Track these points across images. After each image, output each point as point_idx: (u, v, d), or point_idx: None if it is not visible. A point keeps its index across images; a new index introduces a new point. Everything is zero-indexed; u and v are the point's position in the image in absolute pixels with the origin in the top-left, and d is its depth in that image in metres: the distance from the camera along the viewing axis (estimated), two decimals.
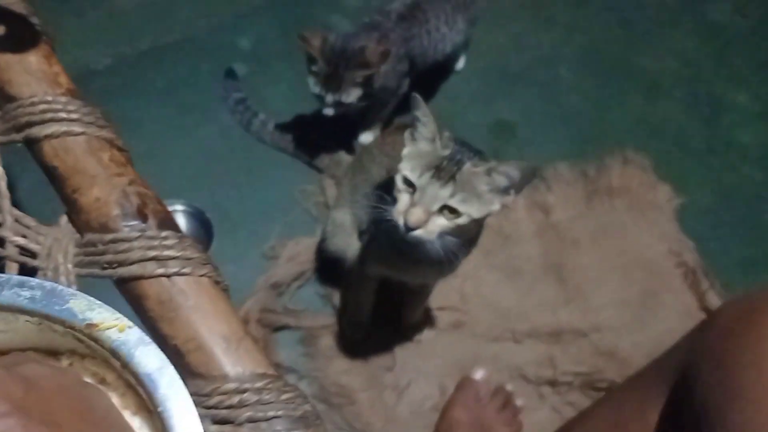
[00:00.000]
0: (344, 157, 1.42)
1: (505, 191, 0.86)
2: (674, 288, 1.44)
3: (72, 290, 0.51)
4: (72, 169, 0.64)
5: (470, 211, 0.85)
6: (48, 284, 0.51)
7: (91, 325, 0.50)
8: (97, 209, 0.63)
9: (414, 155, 0.88)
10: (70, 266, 0.63)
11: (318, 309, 1.33)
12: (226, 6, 1.59)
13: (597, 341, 1.36)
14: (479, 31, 1.58)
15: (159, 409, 0.48)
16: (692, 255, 1.46)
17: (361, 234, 1.19)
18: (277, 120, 1.46)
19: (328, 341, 1.29)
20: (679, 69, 1.74)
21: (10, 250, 0.64)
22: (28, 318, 0.51)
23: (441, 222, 0.86)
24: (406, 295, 1.26)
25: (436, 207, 0.85)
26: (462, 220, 0.85)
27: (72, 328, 0.51)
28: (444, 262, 0.97)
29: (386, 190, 0.94)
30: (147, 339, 0.50)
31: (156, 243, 0.62)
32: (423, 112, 0.87)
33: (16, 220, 0.65)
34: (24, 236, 0.65)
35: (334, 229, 1.22)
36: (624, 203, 1.52)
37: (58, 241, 0.65)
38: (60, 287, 0.51)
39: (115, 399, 0.55)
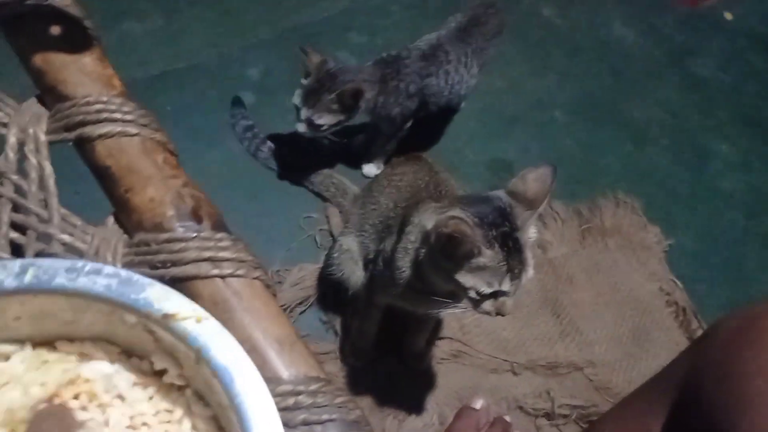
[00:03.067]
0: (349, 186, 1.44)
1: None
2: (665, 326, 1.48)
3: (148, 279, 0.51)
4: (126, 168, 0.65)
5: (534, 263, 0.89)
6: (123, 272, 0.51)
7: (167, 316, 0.49)
8: (151, 209, 0.64)
9: (471, 270, 0.86)
10: (118, 265, 0.63)
11: (320, 335, 1.33)
12: (234, 37, 1.63)
13: (591, 376, 1.38)
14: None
15: (235, 401, 0.48)
16: (682, 295, 1.51)
17: (366, 263, 1.21)
18: (284, 149, 1.48)
19: (330, 368, 1.29)
20: (665, 118, 1.82)
21: (56, 248, 0.64)
22: (100, 307, 0.51)
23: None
24: (410, 324, 1.27)
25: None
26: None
27: (147, 317, 0.50)
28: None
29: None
30: (224, 331, 0.50)
31: (211, 244, 0.63)
32: (462, 241, 0.83)
33: (63, 219, 0.65)
34: (71, 234, 0.65)
35: (340, 255, 1.23)
36: (616, 243, 1.57)
37: (105, 241, 0.65)
38: (136, 276, 0.51)
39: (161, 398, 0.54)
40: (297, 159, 1.49)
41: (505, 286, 0.86)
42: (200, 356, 0.50)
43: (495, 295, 0.88)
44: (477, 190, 1.49)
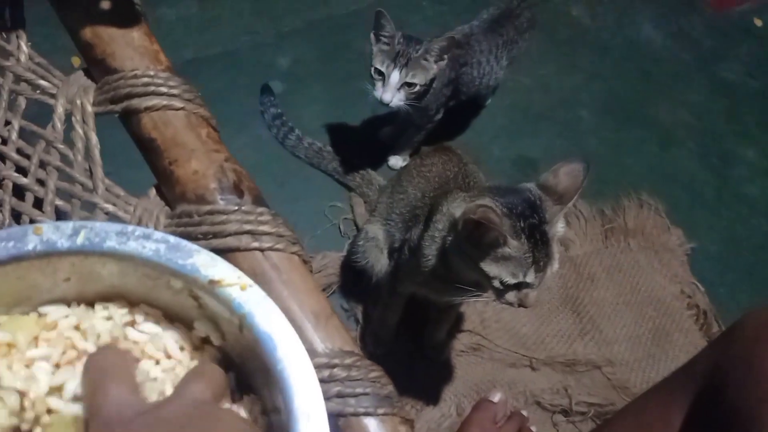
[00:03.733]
0: (375, 177, 1.45)
1: None
2: (685, 328, 1.47)
3: (195, 246, 0.51)
4: (171, 141, 0.66)
5: (558, 257, 0.90)
6: (171, 238, 0.51)
7: (213, 282, 0.50)
8: (194, 181, 0.65)
9: (496, 260, 0.87)
10: None
11: (342, 322, 1.33)
12: (267, 25, 1.64)
13: (610, 374, 1.39)
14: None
15: (278, 368, 0.48)
16: (703, 298, 1.51)
17: (391, 252, 1.21)
18: (312, 138, 1.49)
19: None
20: (692, 122, 1.81)
21: (100, 217, 0.65)
22: (148, 271, 0.52)
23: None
24: (432, 315, 1.28)
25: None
26: None
27: (194, 283, 0.51)
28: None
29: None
30: (268, 299, 0.50)
31: (252, 218, 0.64)
32: (490, 228, 0.84)
33: (107, 189, 0.67)
34: (114, 204, 0.66)
35: (366, 242, 1.24)
36: (638, 243, 1.56)
37: (148, 211, 0.66)
38: (183, 242, 0.51)
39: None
40: (324, 148, 1.50)
41: (530, 278, 0.86)
42: (244, 323, 0.50)
43: (519, 286, 0.88)
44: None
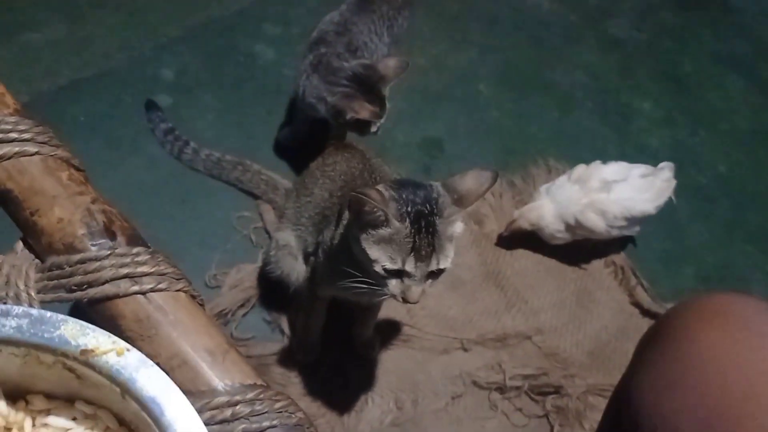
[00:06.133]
0: (279, 181, 1.41)
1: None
2: (606, 286, 1.51)
3: (62, 316, 0.48)
4: (29, 190, 0.61)
5: (451, 256, 0.88)
6: (34, 311, 0.48)
7: (86, 352, 0.47)
8: (60, 230, 0.60)
9: (378, 241, 0.86)
10: (32, 293, 0.60)
11: (266, 336, 1.30)
12: (144, 38, 1.57)
13: (540, 343, 1.40)
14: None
15: None
16: (618, 254, 1.54)
17: (306, 256, 1.19)
18: (209, 148, 1.44)
19: (280, 368, 1.26)
20: (587, 82, 1.84)
21: None
22: (13, 350, 0.48)
23: (433, 281, 0.89)
24: (357, 314, 1.26)
25: (427, 278, 0.88)
26: (449, 267, 0.89)
27: (65, 356, 0.48)
28: None
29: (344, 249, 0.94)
30: (148, 361, 0.48)
31: (128, 260, 0.60)
32: (369, 204, 0.84)
33: None
34: None
35: (278, 252, 1.21)
36: None
37: (15, 268, 0.61)
38: (48, 314, 0.48)
39: None
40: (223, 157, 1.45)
41: (409, 266, 0.85)
42: (126, 390, 0.47)
43: (400, 274, 0.87)
44: (410, 171, 1.48)
